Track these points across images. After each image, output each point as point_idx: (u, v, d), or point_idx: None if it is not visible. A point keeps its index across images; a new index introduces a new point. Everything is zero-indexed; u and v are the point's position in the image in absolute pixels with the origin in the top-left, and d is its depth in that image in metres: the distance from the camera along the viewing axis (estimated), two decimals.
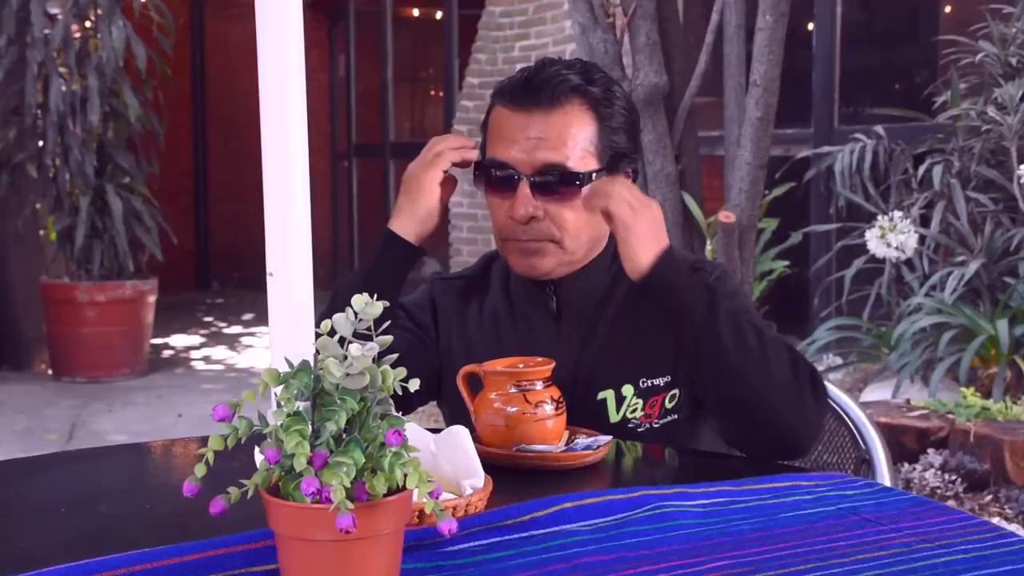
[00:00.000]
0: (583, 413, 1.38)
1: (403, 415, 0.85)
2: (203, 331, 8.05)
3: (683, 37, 3.69)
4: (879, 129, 4.75)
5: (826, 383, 1.40)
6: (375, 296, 0.84)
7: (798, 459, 1.38)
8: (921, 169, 4.42)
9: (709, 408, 1.44)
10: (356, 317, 0.83)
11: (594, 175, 1.44)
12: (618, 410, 1.46)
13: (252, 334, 7.95)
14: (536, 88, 1.43)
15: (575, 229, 1.46)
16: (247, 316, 8.79)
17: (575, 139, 1.43)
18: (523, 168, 1.43)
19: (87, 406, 5.45)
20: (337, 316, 0.83)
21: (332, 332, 0.83)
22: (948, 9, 6.09)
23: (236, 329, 8.21)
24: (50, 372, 6.17)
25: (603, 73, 1.50)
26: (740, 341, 1.33)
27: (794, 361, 1.35)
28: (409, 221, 1.47)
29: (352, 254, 9.12)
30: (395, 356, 0.85)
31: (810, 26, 5.40)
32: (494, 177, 1.46)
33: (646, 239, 1.37)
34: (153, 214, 6.15)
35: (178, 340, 7.58)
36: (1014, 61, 4.22)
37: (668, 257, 1.37)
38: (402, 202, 1.48)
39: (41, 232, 6.33)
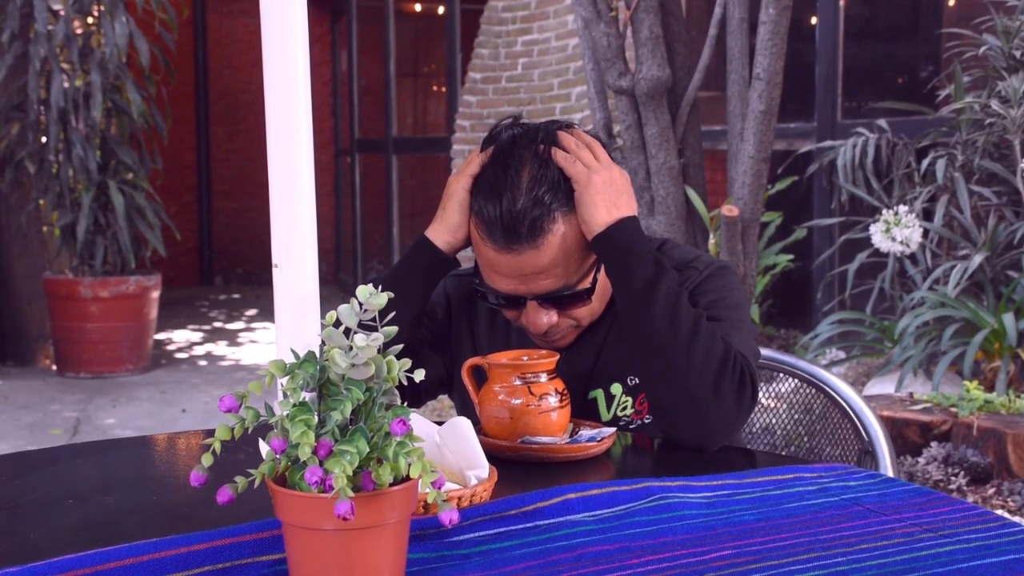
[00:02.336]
0: (575, 413, 1.39)
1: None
2: (206, 327, 8.06)
3: (686, 31, 3.69)
4: (882, 123, 4.75)
5: (757, 394, 1.37)
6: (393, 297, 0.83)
7: (706, 450, 1.35)
8: (924, 163, 4.42)
9: (640, 381, 1.44)
10: (361, 308, 0.83)
11: (596, 273, 1.43)
12: (608, 408, 1.47)
13: (255, 330, 7.97)
14: (515, 229, 1.36)
15: (591, 315, 1.47)
16: (250, 312, 8.80)
17: (570, 255, 1.39)
18: (527, 294, 1.41)
19: (91, 401, 5.46)
20: (342, 307, 0.84)
21: (337, 323, 0.84)
22: (951, 2, 6.08)
23: (239, 325, 8.22)
24: (54, 368, 6.19)
25: (556, 129, 1.42)
26: (672, 319, 1.33)
27: (726, 358, 1.33)
28: (440, 228, 1.45)
29: (355, 249, 9.12)
30: (400, 347, 0.85)
31: (813, 20, 5.40)
32: (499, 300, 1.44)
33: (598, 200, 1.36)
34: (156, 210, 6.16)
35: (181, 336, 7.60)
36: (1018, 54, 4.22)
37: (626, 224, 1.37)
38: (438, 210, 1.47)
39: (44, 228, 6.35)
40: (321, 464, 0.78)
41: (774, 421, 1.84)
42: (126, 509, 1.13)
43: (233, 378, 6.13)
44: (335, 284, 9.53)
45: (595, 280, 1.42)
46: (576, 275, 1.41)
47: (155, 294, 6.25)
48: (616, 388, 1.47)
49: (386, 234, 8.45)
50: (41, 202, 6.11)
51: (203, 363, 6.63)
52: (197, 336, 7.62)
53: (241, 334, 7.78)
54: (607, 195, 1.37)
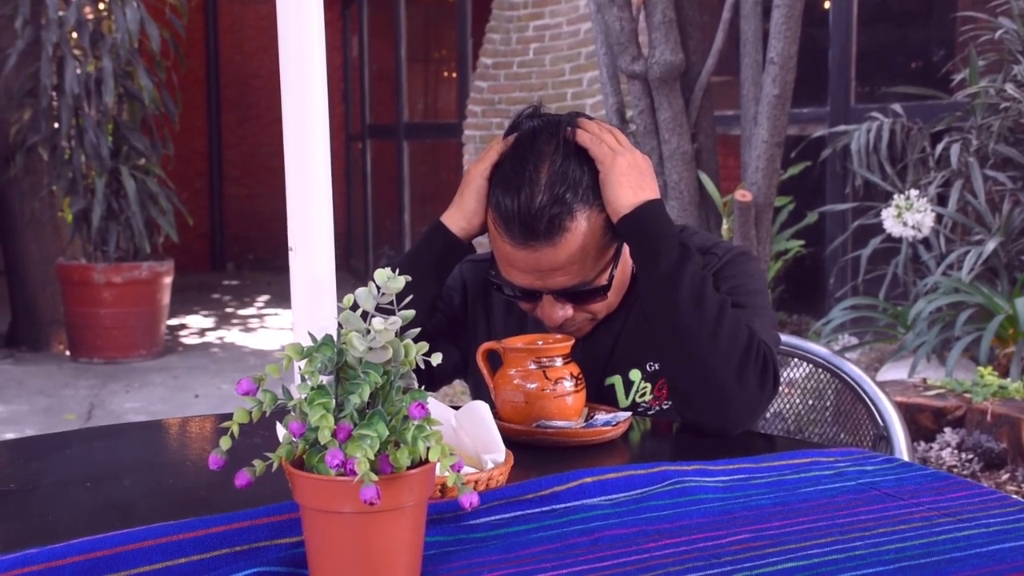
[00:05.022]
0: (592, 400, 1.38)
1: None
2: (218, 313, 8.09)
3: (699, 15, 3.67)
4: (896, 107, 4.72)
5: (779, 382, 1.36)
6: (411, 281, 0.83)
7: (727, 435, 1.34)
8: (938, 147, 4.39)
9: (661, 365, 1.44)
10: (379, 291, 0.83)
11: (613, 270, 1.42)
12: (627, 395, 1.47)
13: (267, 315, 7.98)
14: (532, 226, 1.34)
15: (608, 308, 1.47)
16: (261, 298, 8.82)
17: (587, 253, 1.38)
18: (543, 289, 1.41)
19: (105, 386, 5.49)
20: (359, 290, 0.84)
21: (354, 306, 0.83)
22: None
23: (250, 311, 8.24)
24: (68, 353, 6.22)
25: (575, 119, 1.42)
26: (697, 302, 1.32)
27: (750, 343, 1.32)
28: (456, 214, 1.45)
29: (366, 235, 9.13)
30: (417, 330, 0.85)
31: (826, 3, 5.36)
32: (514, 292, 1.44)
33: (624, 180, 1.35)
34: (168, 195, 6.17)
35: (194, 321, 7.62)
36: None
37: (652, 206, 1.36)
38: (456, 195, 1.46)
39: (58, 214, 6.37)
40: (341, 447, 0.78)
41: (787, 406, 1.83)
42: (143, 492, 1.13)
43: (245, 363, 6.15)
44: (346, 270, 9.53)
45: (612, 276, 1.42)
46: (593, 271, 1.40)
47: (168, 280, 6.27)
48: (635, 374, 1.47)
49: (397, 220, 8.45)
50: (54, 188, 6.13)
51: (215, 349, 6.65)
52: (209, 322, 7.65)
53: (253, 320, 7.80)
54: (632, 176, 1.36)
